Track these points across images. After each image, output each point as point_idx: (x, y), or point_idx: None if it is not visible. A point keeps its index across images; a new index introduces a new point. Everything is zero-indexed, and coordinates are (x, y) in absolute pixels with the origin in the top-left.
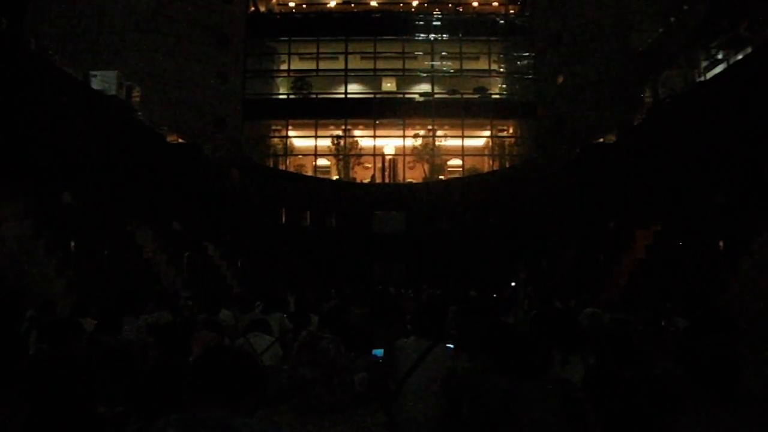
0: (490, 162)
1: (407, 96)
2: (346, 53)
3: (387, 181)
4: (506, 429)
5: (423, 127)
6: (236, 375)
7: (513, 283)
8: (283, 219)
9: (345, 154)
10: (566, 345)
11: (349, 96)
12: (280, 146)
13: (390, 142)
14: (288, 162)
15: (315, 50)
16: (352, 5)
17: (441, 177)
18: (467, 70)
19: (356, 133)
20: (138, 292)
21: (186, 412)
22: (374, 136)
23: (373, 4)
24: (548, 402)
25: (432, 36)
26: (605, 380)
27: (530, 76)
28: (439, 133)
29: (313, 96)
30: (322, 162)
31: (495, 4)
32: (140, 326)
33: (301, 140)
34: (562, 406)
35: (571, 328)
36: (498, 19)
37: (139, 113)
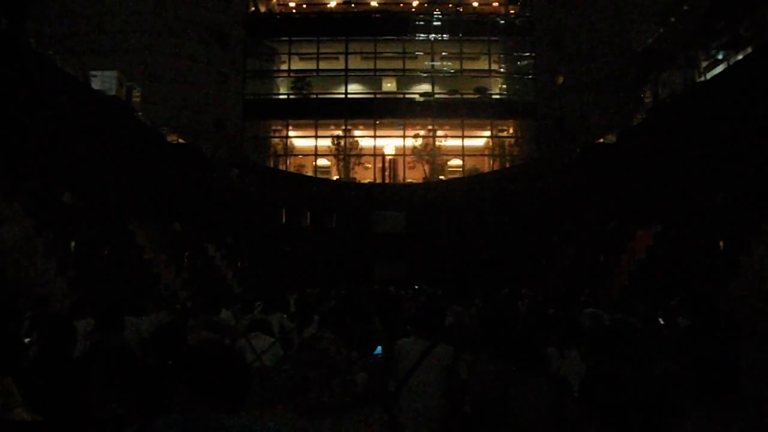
0: (490, 162)
1: (407, 96)
2: (346, 53)
3: (387, 181)
4: (500, 420)
5: (423, 127)
6: (220, 373)
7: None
8: (283, 219)
9: (345, 154)
10: (564, 342)
11: (349, 96)
12: (280, 146)
13: (390, 142)
14: (288, 162)
15: (315, 50)
16: (352, 5)
17: (441, 177)
18: (467, 70)
19: (356, 133)
20: (138, 292)
21: (185, 413)
22: (374, 136)
23: (373, 4)
24: (540, 397)
25: (432, 36)
26: (603, 380)
27: (530, 76)
28: (440, 133)
29: (313, 96)
30: (322, 162)
31: (495, 4)
32: (140, 327)
33: (301, 140)
34: (552, 404)
35: (570, 326)
36: (498, 19)
37: (139, 113)
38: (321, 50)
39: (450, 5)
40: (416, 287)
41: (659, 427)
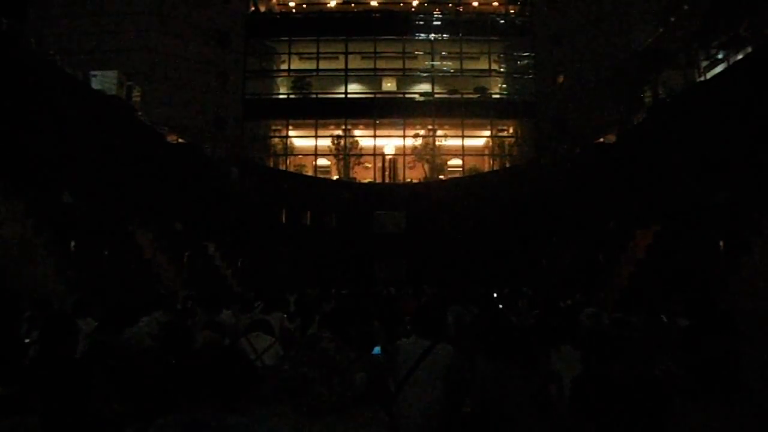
0: (490, 162)
1: (407, 96)
2: (346, 53)
3: (387, 181)
4: (498, 420)
5: (423, 127)
6: (230, 374)
7: (495, 294)
8: (283, 219)
9: (345, 154)
10: (558, 339)
11: (349, 96)
12: (280, 146)
13: (390, 142)
14: (288, 162)
15: (315, 50)
16: (352, 5)
17: (441, 177)
18: (467, 70)
19: (356, 133)
20: (138, 292)
21: (185, 412)
22: (374, 136)
23: (373, 4)
24: (531, 393)
25: (432, 36)
26: (596, 381)
27: (530, 76)
28: (439, 133)
29: (313, 96)
30: (322, 162)
31: (495, 4)
32: (141, 327)
33: (301, 140)
34: (537, 395)
35: (572, 325)
36: (498, 19)
37: (139, 113)
38: (321, 50)
39: (450, 5)
40: (416, 287)
41: (653, 426)
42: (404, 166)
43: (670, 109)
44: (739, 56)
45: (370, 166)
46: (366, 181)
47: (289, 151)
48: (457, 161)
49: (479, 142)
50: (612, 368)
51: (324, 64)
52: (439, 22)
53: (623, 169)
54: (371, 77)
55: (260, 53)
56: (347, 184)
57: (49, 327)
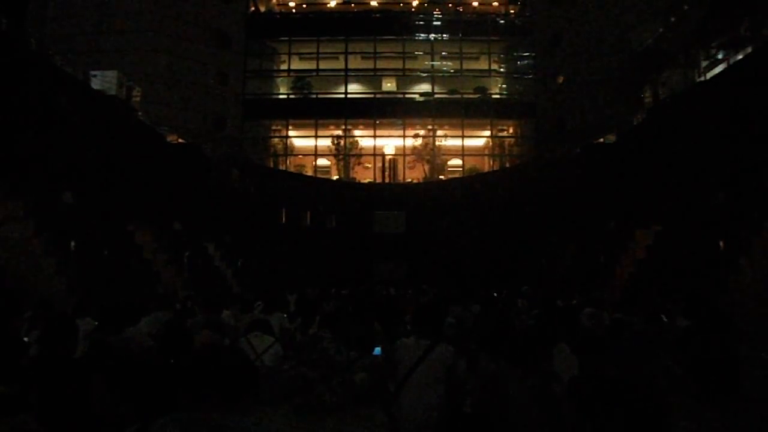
0: (490, 162)
1: (407, 96)
2: (346, 53)
3: (387, 181)
4: (499, 420)
5: (423, 127)
6: (231, 375)
7: (495, 294)
8: (283, 219)
9: (345, 154)
10: (570, 341)
11: (349, 96)
12: (280, 146)
13: (390, 142)
14: (288, 162)
15: (315, 50)
16: (352, 5)
17: (441, 177)
18: (467, 70)
19: (356, 133)
20: (138, 292)
21: (185, 412)
22: (374, 136)
23: (373, 4)
24: (533, 394)
25: (432, 36)
26: (592, 380)
27: (530, 76)
28: (439, 133)
29: (313, 96)
30: (322, 162)
31: (495, 4)
32: (141, 327)
33: (301, 140)
34: (541, 398)
35: (572, 325)
36: (498, 19)
37: (139, 113)
38: (321, 50)
39: (450, 5)
40: (416, 287)
41: (650, 426)
42: (404, 166)
43: (670, 109)
44: (739, 56)
45: (370, 166)
46: (366, 181)
47: (289, 151)
48: (457, 161)
49: (479, 142)
50: (607, 369)
51: (324, 64)
52: (439, 22)
53: (623, 169)
54: (371, 77)
55: (260, 53)
56: (347, 184)
57: (50, 327)
